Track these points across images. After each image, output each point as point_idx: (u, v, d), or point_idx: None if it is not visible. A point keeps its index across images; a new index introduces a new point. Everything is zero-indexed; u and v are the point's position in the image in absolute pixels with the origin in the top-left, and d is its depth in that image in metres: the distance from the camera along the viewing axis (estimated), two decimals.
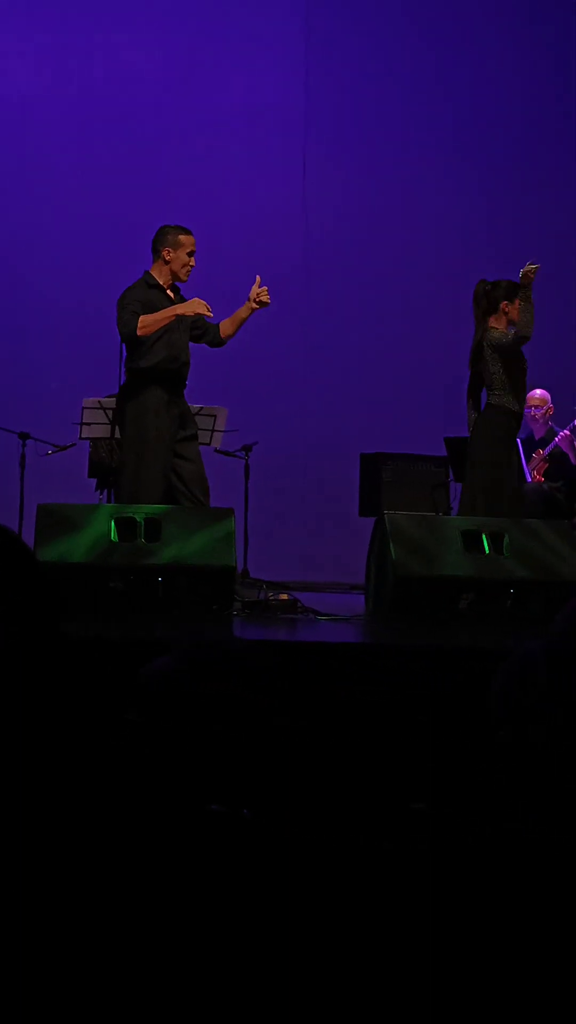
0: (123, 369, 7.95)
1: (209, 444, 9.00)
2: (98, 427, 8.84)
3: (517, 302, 8.01)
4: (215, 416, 8.90)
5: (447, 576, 7.62)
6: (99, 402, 8.85)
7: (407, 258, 11.16)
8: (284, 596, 7.96)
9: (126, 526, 7.48)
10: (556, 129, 11.63)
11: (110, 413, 8.74)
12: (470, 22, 11.66)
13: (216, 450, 9.16)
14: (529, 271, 7.90)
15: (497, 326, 8.05)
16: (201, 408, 8.80)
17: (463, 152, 11.64)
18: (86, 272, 10.90)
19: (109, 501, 8.97)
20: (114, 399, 8.95)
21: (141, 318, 7.65)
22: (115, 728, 2.11)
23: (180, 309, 7.70)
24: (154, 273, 7.71)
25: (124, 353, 7.80)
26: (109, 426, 8.77)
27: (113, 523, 7.47)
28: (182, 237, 7.76)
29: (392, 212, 11.46)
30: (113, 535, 7.43)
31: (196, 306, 7.68)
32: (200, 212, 11.12)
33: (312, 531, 9.74)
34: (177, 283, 7.72)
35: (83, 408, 8.83)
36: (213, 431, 8.92)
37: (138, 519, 7.60)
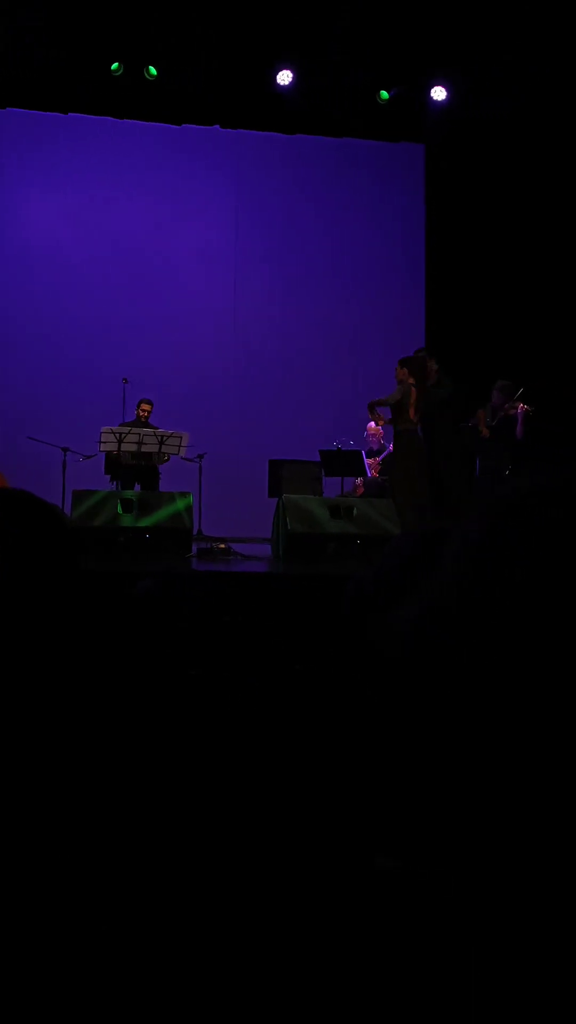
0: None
1: (178, 454, 9.06)
2: (110, 444, 8.90)
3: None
4: (181, 437, 9.00)
5: (319, 533, 7.82)
6: (111, 429, 8.93)
7: (306, 341, 11.29)
8: (222, 545, 8.12)
9: (126, 504, 7.60)
10: (403, 265, 11.76)
11: (117, 435, 8.84)
12: (346, 189, 11.70)
13: (182, 458, 9.24)
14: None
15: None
16: (173, 432, 8.88)
17: (333, 276, 11.73)
18: (98, 342, 11.01)
19: (116, 489, 9.00)
20: (123, 426, 9.11)
21: None
22: (117, 623, 2.07)
23: None
24: None
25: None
26: (117, 443, 8.85)
27: (119, 501, 7.57)
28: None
29: (293, 322, 11.55)
30: (119, 509, 7.54)
31: None
32: (157, 315, 11.24)
33: (240, 506, 9.80)
34: None
35: (101, 432, 8.89)
36: (180, 446, 9.01)
37: (134, 499, 7.72)
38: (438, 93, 10.41)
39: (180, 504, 7.81)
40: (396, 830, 1.07)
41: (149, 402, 9.60)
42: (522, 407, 8.90)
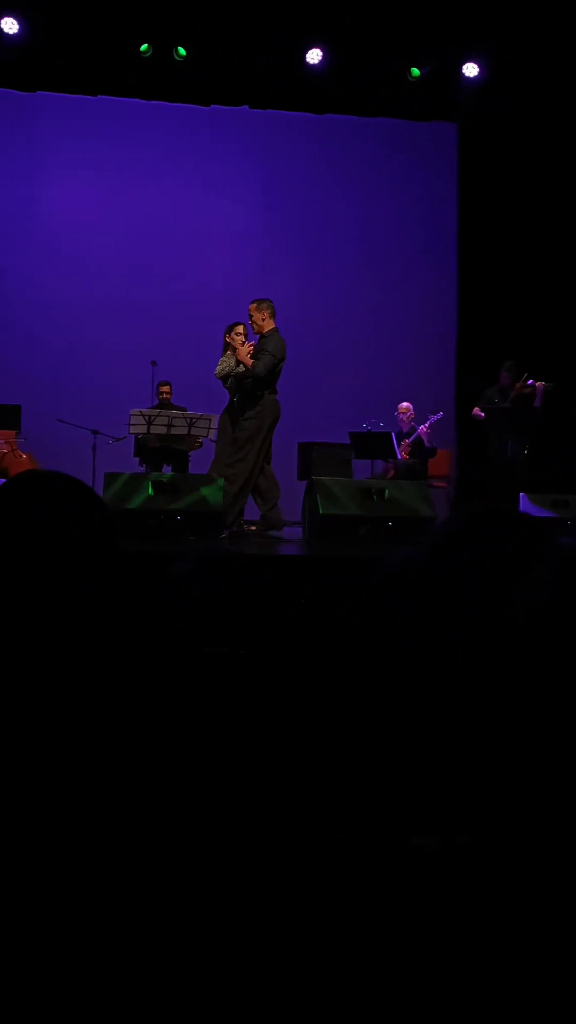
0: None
1: (207, 436, 9.05)
2: (139, 426, 8.91)
3: None
4: (211, 419, 8.99)
5: (351, 515, 7.81)
6: (141, 411, 8.93)
7: (336, 322, 11.20)
8: (252, 528, 8.08)
9: (158, 485, 7.60)
10: (434, 246, 11.69)
11: (147, 417, 8.85)
12: (376, 170, 11.61)
13: (211, 440, 9.22)
14: None
15: None
16: (202, 415, 8.89)
17: (362, 257, 11.64)
18: (126, 325, 10.99)
19: (146, 471, 9.01)
20: (153, 410, 9.06)
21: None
22: (155, 604, 2.13)
23: None
24: None
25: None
26: (146, 425, 8.85)
27: (151, 483, 7.58)
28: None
29: (322, 303, 11.46)
30: (151, 491, 7.53)
31: None
32: (185, 297, 11.19)
33: None
34: None
35: (131, 414, 8.91)
36: (209, 428, 9.02)
37: (165, 481, 7.72)
38: (470, 70, 10.24)
39: (212, 486, 7.80)
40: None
41: (166, 383, 9.82)
42: (540, 383, 8.89)
